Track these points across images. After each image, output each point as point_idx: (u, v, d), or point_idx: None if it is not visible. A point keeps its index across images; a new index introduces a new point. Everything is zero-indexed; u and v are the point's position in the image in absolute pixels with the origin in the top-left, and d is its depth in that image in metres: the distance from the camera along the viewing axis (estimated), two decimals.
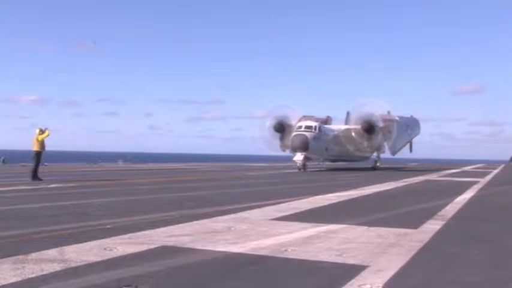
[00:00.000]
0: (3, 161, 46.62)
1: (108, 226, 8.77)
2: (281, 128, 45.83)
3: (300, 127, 42.84)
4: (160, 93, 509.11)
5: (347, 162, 52.51)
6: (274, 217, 10.40)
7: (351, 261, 6.29)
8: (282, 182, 25.25)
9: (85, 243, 7.04)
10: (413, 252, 6.96)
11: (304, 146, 40.77)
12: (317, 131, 42.75)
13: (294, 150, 41.61)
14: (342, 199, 15.10)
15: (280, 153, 47.84)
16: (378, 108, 46.00)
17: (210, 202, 13.35)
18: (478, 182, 27.66)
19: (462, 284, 5.43)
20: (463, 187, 22.18)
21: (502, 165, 69.99)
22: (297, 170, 38.98)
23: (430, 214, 11.46)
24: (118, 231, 8.12)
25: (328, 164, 50.88)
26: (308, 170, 40.13)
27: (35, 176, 20.90)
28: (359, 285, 5.14)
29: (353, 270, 5.75)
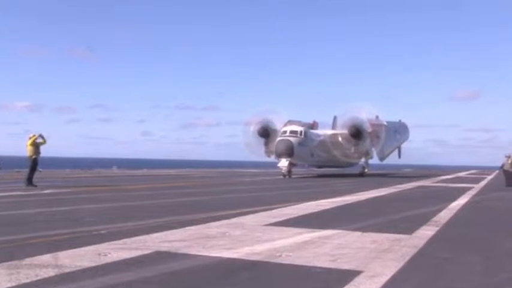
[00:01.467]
0: None
1: (103, 232, 8.75)
2: (265, 133, 44.34)
3: (285, 132, 41.45)
4: (153, 100, 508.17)
5: (334, 169, 51.18)
6: (268, 223, 10.41)
7: (345, 266, 6.31)
8: (275, 187, 25.27)
9: (79, 249, 7.03)
10: (407, 258, 6.98)
11: (289, 152, 39.58)
12: (302, 136, 41.37)
13: (279, 156, 40.37)
14: (335, 205, 15.12)
15: (265, 159, 46.32)
16: (366, 112, 44.74)
17: (203, 208, 13.34)
18: (472, 187, 27.77)
19: None
20: (457, 193, 22.26)
21: (496, 171, 70.23)
22: (281, 177, 37.99)
23: (424, 220, 11.50)
24: (112, 237, 8.11)
25: (313, 170, 49.45)
26: (293, 176, 39.33)
27: (29, 182, 20.83)
28: None
29: (347, 276, 5.76)
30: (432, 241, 8.62)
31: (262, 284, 5.47)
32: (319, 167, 48.96)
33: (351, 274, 5.86)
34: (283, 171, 39.13)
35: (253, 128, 45.07)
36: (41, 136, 21.87)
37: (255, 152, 46.52)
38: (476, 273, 6.23)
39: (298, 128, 41.96)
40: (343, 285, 5.34)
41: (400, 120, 56.13)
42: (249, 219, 10.97)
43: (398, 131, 53.80)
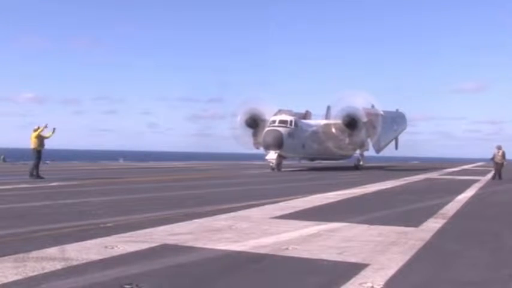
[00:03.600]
0: (3, 159, 46.56)
1: (109, 224, 8.77)
2: (254, 123, 40.95)
3: (274, 122, 38.09)
4: (159, 91, 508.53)
5: (327, 161, 48.43)
6: (275, 215, 10.41)
7: (352, 259, 6.29)
8: (281, 180, 25.26)
9: (86, 242, 7.04)
10: (414, 251, 6.96)
11: (278, 143, 36.35)
12: (293, 126, 38.08)
13: (267, 147, 37.27)
14: (342, 197, 15.10)
15: (254, 150, 43.06)
16: (361, 101, 41.33)
17: (210, 200, 13.35)
18: (479, 180, 27.66)
19: (463, 282, 5.44)
20: (464, 185, 22.19)
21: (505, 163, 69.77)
22: (270, 170, 35.07)
23: (431, 212, 11.47)
24: (119, 230, 8.12)
25: (305, 163, 46.41)
26: (283, 170, 36.35)
27: (35, 174, 20.86)
28: (360, 284, 5.14)
29: (354, 269, 5.75)
30: (439, 234, 8.59)
31: (269, 277, 5.46)
32: (311, 159, 45.81)
33: (358, 267, 5.85)
34: (271, 164, 36.33)
35: (241, 118, 41.87)
36: (53, 130, 22.00)
37: (242, 143, 43.57)
38: (483, 267, 6.20)
39: (288, 118, 38.89)
40: (350, 278, 5.32)
41: (397, 110, 52.94)
42: (255, 212, 10.97)
43: (395, 121, 50.38)
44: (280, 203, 12.95)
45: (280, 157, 36.65)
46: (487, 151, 28.12)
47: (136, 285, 4.91)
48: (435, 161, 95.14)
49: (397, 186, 21.40)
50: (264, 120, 40.33)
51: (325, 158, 46.97)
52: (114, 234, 7.74)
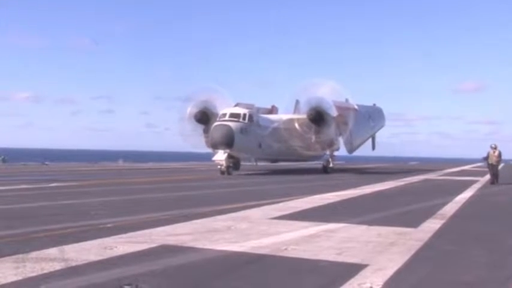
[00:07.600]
0: (3, 160, 46.46)
1: (109, 225, 8.78)
2: (205, 117, 34.39)
3: (224, 115, 31.72)
4: (156, 91, 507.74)
5: (292, 163, 43.37)
6: (274, 216, 10.42)
7: (351, 260, 6.30)
8: (280, 181, 25.26)
9: (85, 242, 7.05)
10: (413, 251, 6.97)
11: (228, 141, 30.26)
12: (246, 120, 31.67)
13: (214, 146, 31.40)
14: (340, 198, 15.10)
15: (207, 150, 35.69)
16: (332, 92, 34.77)
17: (209, 201, 13.36)
18: (477, 181, 27.65)
19: (461, 283, 5.45)
20: (462, 186, 22.19)
21: (502, 164, 69.84)
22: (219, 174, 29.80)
23: (429, 213, 11.48)
24: (118, 230, 8.13)
25: (263, 165, 40.47)
26: (236, 173, 31.64)
27: None
28: (359, 284, 5.15)
29: (353, 269, 5.76)
30: (438, 234, 8.60)
31: (268, 278, 5.47)
32: (273, 161, 39.53)
33: (357, 267, 5.86)
34: (219, 166, 30.66)
35: (190, 112, 35.28)
36: None
37: (191, 141, 36.62)
38: (481, 267, 6.21)
39: (242, 111, 32.24)
40: (349, 279, 5.33)
41: (374, 104, 46.36)
42: (254, 213, 10.98)
43: (372, 117, 43.55)
44: (279, 204, 12.96)
45: (230, 158, 31.07)
46: (485, 151, 27.50)
47: (136, 286, 4.92)
48: (434, 161, 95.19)
49: (396, 187, 21.41)
50: (217, 115, 33.53)
51: (289, 159, 40.88)
52: (114, 234, 7.76)
